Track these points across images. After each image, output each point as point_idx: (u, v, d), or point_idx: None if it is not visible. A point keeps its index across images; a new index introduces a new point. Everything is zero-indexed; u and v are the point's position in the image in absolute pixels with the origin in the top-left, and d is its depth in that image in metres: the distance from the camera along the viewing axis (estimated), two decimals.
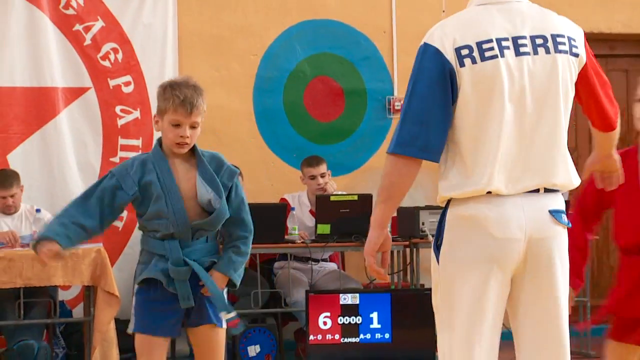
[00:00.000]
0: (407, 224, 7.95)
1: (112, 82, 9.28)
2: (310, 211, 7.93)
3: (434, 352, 7.89)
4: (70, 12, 9.11)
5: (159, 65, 9.48)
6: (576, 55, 3.90)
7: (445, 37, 3.76)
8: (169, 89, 4.75)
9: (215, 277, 4.69)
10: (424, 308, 7.72)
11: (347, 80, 9.92)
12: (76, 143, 9.21)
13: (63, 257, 4.88)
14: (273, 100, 9.61)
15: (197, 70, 8.89)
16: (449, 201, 3.93)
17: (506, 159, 3.88)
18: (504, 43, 3.79)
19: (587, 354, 8.43)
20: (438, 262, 3.84)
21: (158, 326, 4.67)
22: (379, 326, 8.20)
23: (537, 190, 3.90)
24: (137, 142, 9.43)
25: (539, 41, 3.87)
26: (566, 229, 4.02)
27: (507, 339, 3.94)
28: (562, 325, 3.91)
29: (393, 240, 8.07)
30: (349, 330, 7.27)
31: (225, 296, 4.85)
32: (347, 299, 7.33)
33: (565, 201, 4.02)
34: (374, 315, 8.17)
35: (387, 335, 8.09)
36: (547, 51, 3.84)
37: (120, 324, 8.09)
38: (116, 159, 9.26)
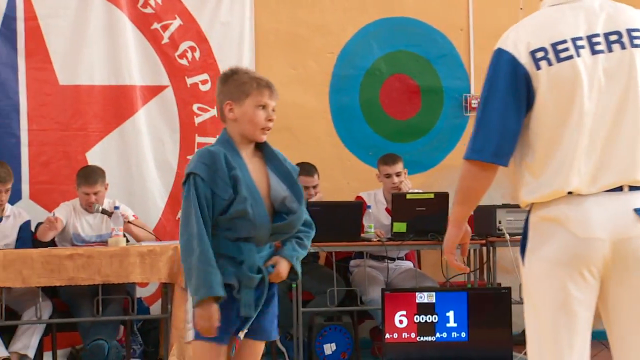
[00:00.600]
0: (484, 223, 7.90)
1: (190, 81, 9.28)
2: (387, 209, 7.87)
3: (511, 351, 7.96)
4: (149, 10, 9.17)
5: (236, 63, 8.87)
6: None
7: (520, 41, 3.79)
8: (243, 74, 4.58)
9: (281, 263, 4.41)
10: (501, 307, 8.02)
11: (423, 78, 9.84)
12: (154, 141, 9.21)
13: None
14: (349, 98, 9.58)
15: (274, 68, 8.91)
16: (532, 204, 3.97)
17: (585, 159, 3.85)
18: (578, 42, 3.80)
19: None
20: (524, 264, 3.88)
21: (224, 335, 4.31)
22: (456, 325, 8.09)
23: (621, 189, 3.87)
24: (214, 140, 9.11)
25: (612, 38, 3.85)
26: None
27: (594, 338, 3.92)
28: None
29: (470, 239, 8.12)
30: (425, 328, 7.23)
31: None
32: (423, 297, 7.28)
33: None
34: (451, 314, 8.07)
35: (463, 334, 7.98)
36: (623, 47, 3.82)
37: None
38: None
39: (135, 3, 8.90)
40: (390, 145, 8.69)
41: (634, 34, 3.87)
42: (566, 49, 3.82)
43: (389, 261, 7.83)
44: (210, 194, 4.24)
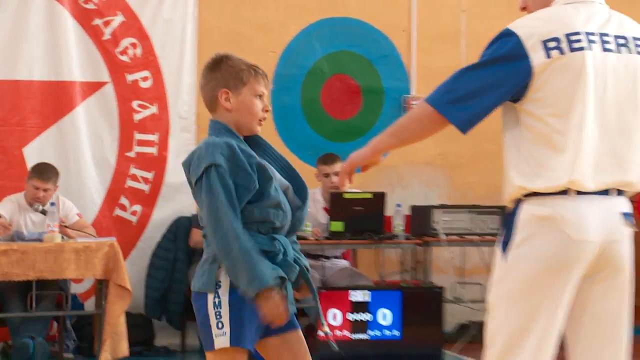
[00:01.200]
0: (419, 222, 8.00)
1: (130, 77, 9.21)
2: (324, 208, 7.92)
3: (442, 349, 8.34)
4: (90, 6, 9.13)
5: (178, 61, 9.45)
6: None
7: (532, 27, 3.92)
8: (238, 60, 4.30)
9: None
10: (434, 305, 8.39)
11: (364, 79, 9.91)
12: (92, 137, 9.16)
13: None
14: (291, 98, 9.61)
15: None
16: (521, 197, 4.02)
17: (587, 153, 3.97)
18: (591, 37, 3.92)
19: None
20: (506, 259, 3.93)
21: (253, 338, 4.09)
22: (389, 323, 8.27)
23: (608, 192, 3.99)
24: (154, 137, 9.36)
25: (621, 41, 3.98)
26: (632, 229, 4.10)
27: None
28: (625, 325, 4.02)
29: (406, 239, 8.24)
30: (359, 326, 7.34)
31: None
32: (358, 295, 7.34)
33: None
34: (385, 312, 8.26)
35: (396, 332, 8.17)
36: (630, 51, 3.97)
37: (131, 317, 8.40)
38: (132, 154, 9.29)
39: None
40: (330, 145, 8.77)
41: (638, 42, 4.06)
42: (579, 40, 3.95)
43: (324, 260, 7.88)
44: (233, 185, 4.05)
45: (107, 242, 8.14)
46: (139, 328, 9.05)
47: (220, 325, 4.11)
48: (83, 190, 9.09)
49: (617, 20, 4.10)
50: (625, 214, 4.01)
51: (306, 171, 8.65)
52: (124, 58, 9.13)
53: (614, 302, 4.01)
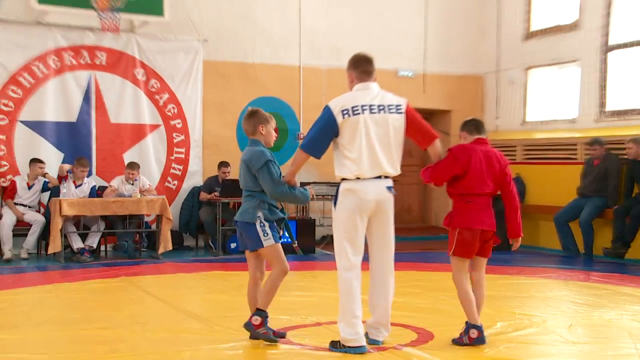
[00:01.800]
0: None
1: (172, 122, 13.15)
2: None
3: (315, 247, 12.30)
4: (153, 89, 12.99)
5: (193, 116, 13.32)
6: (400, 112, 5.76)
7: (337, 103, 5.70)
8: (264, 113, 6.12)
9: None
10: (311, 227, 12.27)
11: (279, 124, 12.44)
12: (154, 150, 13.01)
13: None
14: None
15: None
16: (339, 180, 5.80)
17: (367, 160, 5.65)
18: (364, 107, 5.67)
19: None
20: (335, 209, 5.79)
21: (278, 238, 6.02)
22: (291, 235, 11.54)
23: (380, 177, 5.73)
24: (182, 150, 13.18)
25: (380, 107, 5.74)
26: (393, 195, 5.84)
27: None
28: (390, 237, 5.87)
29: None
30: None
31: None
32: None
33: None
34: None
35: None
36: (385, 112, 5.74)
37: (172, 232, 12.08)
38: (172, 157, 13.13)
39: None
40: None
41: (390, 107, 5.75)
42: (357, 109, 5.65)
43: None
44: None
45: (161, 197, 12.04)
46: (176, 236, 12.67)
47: (265, 234, 5.94)
48: (151, 174, 13.08)
49: (381, 95, 5.79)
50: (388, 187, 5.75)
51: None
52: (169, 114, 13.34)
53: (382, 228, 5.84)
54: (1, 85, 12.33)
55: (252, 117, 6.05)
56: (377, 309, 5.95)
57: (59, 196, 11.66)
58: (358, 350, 5.68)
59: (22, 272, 10.40)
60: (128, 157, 13.00)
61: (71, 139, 12.72)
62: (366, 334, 5.93)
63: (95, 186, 12.27)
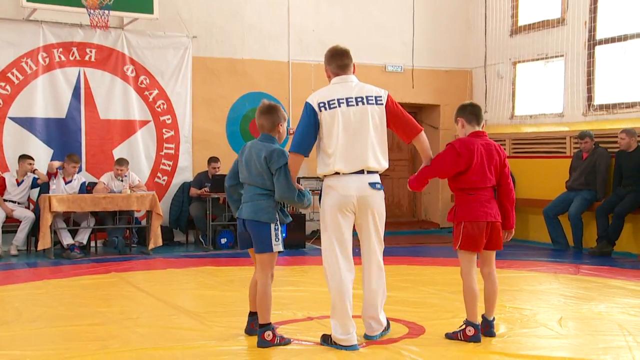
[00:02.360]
0: None
1: (161, 118, 13.11)
2: None
3: (305, 242, 12.50)
4: (143, 86, 12.98)
5: (183, 112, 13.30)
6: (381, 104, 5.63)
7: (315, 98, 5.64)
8: (280, 107, 5.88)
9: None
10: (301, 222, 12.35)
11: None
12: (144, 146, 12.97)
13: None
14: (236, 127, 13.60)
15: None
16: (321, 177, 5.74)
17: (343, 155, 5.53)
18: (340, 100, 5.57)
19: None
20: (320, 206, 5.72)
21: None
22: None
23: (363, 172, 5.62)
24: (172, 146, 13.18)
25: (358, 99, 5.61)
26: (380, 191, 5.70)
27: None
28: (374, 235, 5.73)
29: None
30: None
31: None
32: None
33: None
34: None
35: (284, 234, 11.14)
36: (363, 103, 5.62)
37: (163, 228, 12.10)
38: (162, 153, 13.11)
39: None
40: None
41: (369, 98, 5.65)
42: (334, 103, 5.56)
43: None
44: None
45: (151, 193, 12.05)
46: (166, 232, 12.76)
47: (277, 239, 5.70)
48: (141, 169, 13.08)
49: (360, 87, 5.67)
50: (371, 183, 5.61)
51: None
52: (158, 109, 13.34)
53: (367, 225, 5.74)
54: None
55: (273, 113, 5.83)
56: (365, 303, 5.85)
57: (48, 192, 11.60)
58: (350, 348, 5.63)
59: (12, 269, 10.37)
60: (118, 153, 13.00)
61: (60, 135, 12.72)
62: (365, 334, 5.89)
63: (85, 182, 12.24)
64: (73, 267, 10.46)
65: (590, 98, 13.19)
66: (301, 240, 12.65)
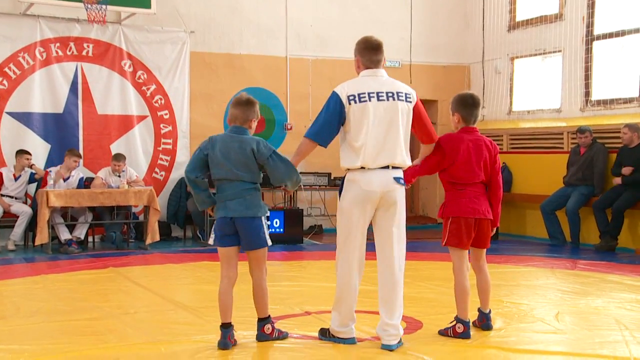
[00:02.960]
0: None
1: (159, 113, 13.07)
2: None
3: (303, 237, 12.42)
4: (140, 81, 12.98)
5: (180, 106, 13.35)
6: (410, 101, 5.54)
7: (344, 89, 5.47)
8: (256, 105, 5.66)
9: None
10: (298, 217, 12.22)
11: (266, 114, 13.32)
12: (142, 141, 12.98)
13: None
14: None
15: None
16: (345, 171, 5.56)
17: (371, 149, 5.41)
18: (371, 94, 5.44)
19: None
20: (340, 199, 5.56)
21: None
22: (279, 225, 12.00)
23: (388, 167, 5.47)
24: (170, 141, 13.17)
25: (389, 94, 5.49)
26: (403, 187, 5.55)
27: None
28: (395, 231, 5.57)
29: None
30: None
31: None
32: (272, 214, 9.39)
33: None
34: (277, 220, 11.94)
35: (281, 230, 12.07)
36: (393, 99, 5.48)
37: (160, 223, 12.13)
38: (160, 148, 13.10)
39: None
40: None
41: (399, 94, 5.52)
42: (364, 96, 5.43)
43: None
44: None
45: (149, 188, 11.98)
46: (164, 227, 12.80)
47: (267, 233, 5.58)
48: (138, 165, 13.13)
49: (391, 82, 5.55)
50: (396, 178, 5.50)
51: None
52: (156, 105, 13.36)
53: (389, 222, 5.55)
54: None
55: (250, 107, 5.59)
56: (384, 310, 5.56)
57: (46, 187, 11.59)
58: (348, 341, 5.60)
59: (10, 264, 10.37)
60: (115, 148, 13.02)
61: (58, 130, 12.72)
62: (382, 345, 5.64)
63: (82, 177, 12.23)
64: (71, 262, 10.44)
65: (587, 93, 13.21)
66: (299, 236, 12.61)
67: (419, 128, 5.71)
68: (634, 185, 11.41)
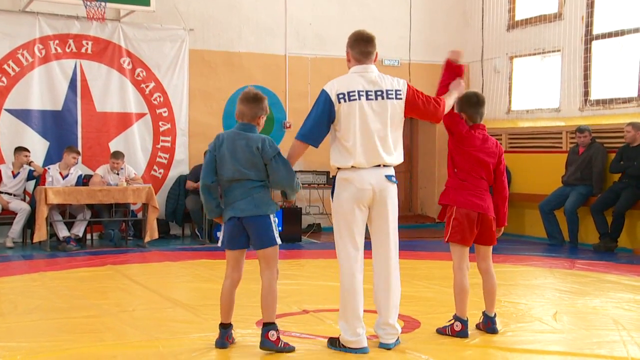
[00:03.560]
0: None
1: (158, 111, 13.08)
2: None
3: (301, 235, 12.50)
4: (139, 78, 12.98)
5: (179, 104, 13.34)
6: (400, 98, 5.40)
7: (333, 87, 5.37)
8: (266, 102, 5.54)
9: None
10: (297, 216, 12.32)
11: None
12: (141, 138, 12.96)
13: None
14: (233, 120, 12.48)
15: None
16: (336, 170, 5.46)
17: (362, 148, 5.36)
18: (360, 93, 5.36)
19: None
20: (332, 200, 5.51)
21: None
22: (278, 223, 11.59)
23: (379, 165, 5.42)
24: (169, 139, 13.16)
25: (378, 93, 5.41)
26: (395, 184, 5.49)
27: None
28: (391, 230, 5.52)
29: None
30: None
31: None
32: None
33: None
34: (276, 219, 10.90)
35: (279, 227, 10.87)
36: (382, 98, 5.39)
37: (159, 220, 12.19)
38: (159, 146, 13.12)
39: None
40: None
41: (389, 92, 5.42)
42: (354, 95, 5.35)
43: None
44: None
45: (147, 186, 12.00)
46: (162, 225, 12.84)
47: (277, 232, 5.45)
48: (137, 162, 13.14)
49: (380, 79, 5.44)
50: (388, 176, 5.45)
51: None
52: (155, 102, 13.39)
53: (382, 221, 5.51)
54: None
55: (258, 103, 5.43)
56: (381, 309, 5.54)
57: (44, 185, 11.61)
58: (360, 351, 5.39)
59: (8, 261, 10.37)
60: (114, 145, 13.03)
61: (56, 127, 12.71)
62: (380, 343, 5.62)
63: (81, 175, 12.23)
64: (69, 259, 10.43)
65: (586, 93, 13.22)
66: (297, 234, 12.61)
67: (420, 114, 5.65)
68: (633, 184, 11.41)
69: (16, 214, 11.74)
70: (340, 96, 5.34)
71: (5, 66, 12.36)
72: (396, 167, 5.56)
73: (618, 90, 12.75)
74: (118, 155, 12.31)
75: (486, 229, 5.94)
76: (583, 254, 11.16)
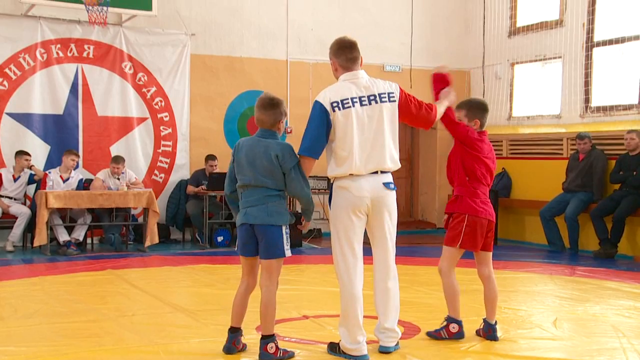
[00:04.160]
0: None
1: (159, 115, 13.03)
2: None
3: (302, 241, 12.62)
4: (141, 82, 13.00)
5: (181, 109, 13.34)
6: (394, 100, 5.39)
7: (325, 97, 5.32)
8: (284, 106, 5.44)
9: None
10: (298, 220, 10.54)
11: None
12: (141, 143, 12.97)
13: None
14: (233, 125, 13.61)
15: None
16: (332, 178, 5.45)
17: (359, 156, 5.32)
18: (354, 100, 5.34)
19: None
20: (330, 208, 5.49)
21: None
22: None
23: (377, 172, 5.40)
24: (170, 143, 13.17)
25: (371, 98, 5.39)
26: (393, 191, 5.49)
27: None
28: (389, 236, 5.54)
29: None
30: None
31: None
32: None
33: None
34: None
35: None
36: (377, 102, 5.37)
37: (159, 225, 12.16)
38: (160, 150, 13.10)
39: None
40: None
41: (382, 96, 5.39)
42: (348, 102, 5.31)
43: None
44: None
45: (148, 190, 12.01)
46: (163, 230, 12.78)
47: (287, 243, 5.36)
48: (138, 167, 13.14)
49: (371, 83, 5.43)
50: (385, 183, 5.44)
51: None
52: (156, 107, 13.38)
53: (380, 228, 5.53)
54: None
55: (275, 108, 5.31)
56: (381, 314, 5.55)
57: (45, 188, 11.59)
58: (360, 359, 5.38)
59: (8, 265, 10.36)
60: (115, 150, 13.02)
61: (58, 131, 12.68)
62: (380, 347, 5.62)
63: (82, 179, 12.22)
64: (69, 263, 10.42)
65: (587, 100, 13.22)
66: (297, 239, 12.54)
67: (411, 119, 5.60)
68: (633, 192, 11.41)
69: (17, 217, 11.73)
70: (335, 105, 5.31)
71: (7, 70, 12.35)
72: (397, 173, 5.57)
73: (619, 97, 12.75)
74: (118, 160, 12.31)
75: (490, 234, 5.97)
76: (583, 261, 11.15)
